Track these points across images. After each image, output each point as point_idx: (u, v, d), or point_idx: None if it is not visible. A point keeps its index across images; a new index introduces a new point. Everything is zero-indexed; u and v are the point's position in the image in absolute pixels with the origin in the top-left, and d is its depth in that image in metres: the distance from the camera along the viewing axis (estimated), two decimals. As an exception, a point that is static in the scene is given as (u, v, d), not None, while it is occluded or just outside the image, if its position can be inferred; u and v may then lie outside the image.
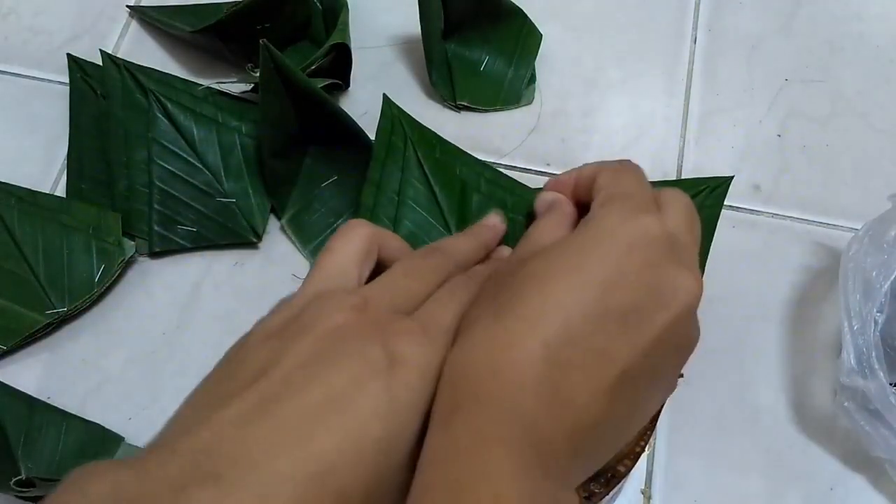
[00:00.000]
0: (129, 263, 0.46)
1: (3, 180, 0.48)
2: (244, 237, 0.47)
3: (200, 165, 0.47)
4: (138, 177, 0.47)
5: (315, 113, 0.46)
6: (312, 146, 0.49)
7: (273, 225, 0.48)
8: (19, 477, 0.37)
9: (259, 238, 0.47)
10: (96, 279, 0.45)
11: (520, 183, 0.44)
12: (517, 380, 0.25)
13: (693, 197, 0.42)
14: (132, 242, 0.46)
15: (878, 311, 0.39)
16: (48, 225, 0.46)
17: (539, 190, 0.44)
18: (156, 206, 0.47)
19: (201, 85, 0.49)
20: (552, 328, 0.25)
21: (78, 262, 0.45)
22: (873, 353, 0.37)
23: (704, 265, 0.40)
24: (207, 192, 0.47)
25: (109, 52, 0.52)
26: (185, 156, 0.47)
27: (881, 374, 0.37)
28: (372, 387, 0.24)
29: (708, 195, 0.42)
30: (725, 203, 0.48)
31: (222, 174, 0.48)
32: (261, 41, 0.44)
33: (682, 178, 0.49)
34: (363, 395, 0.24)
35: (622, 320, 0.26)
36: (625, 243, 0.27)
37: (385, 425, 0.24)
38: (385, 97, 0.44)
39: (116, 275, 0.46)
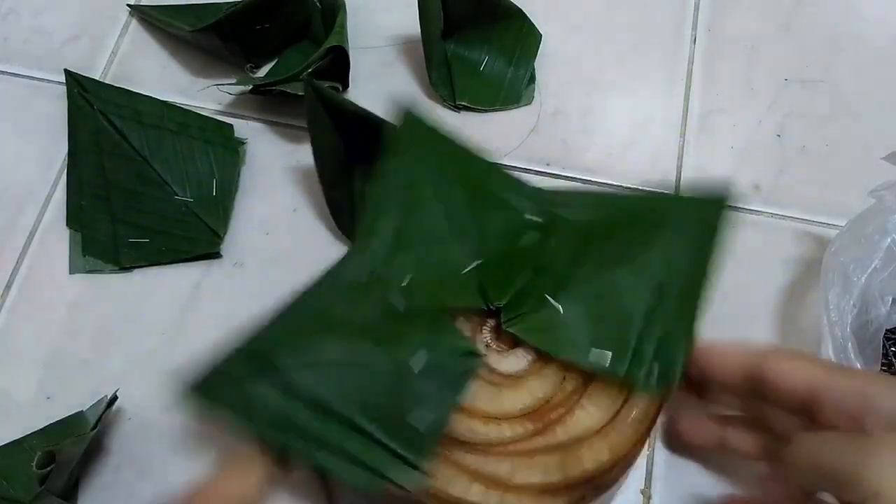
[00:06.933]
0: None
1: (3, 179, 0.48)
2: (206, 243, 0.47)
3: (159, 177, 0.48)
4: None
5: (360, 133, 0.44)
6: (358, 168, 0.47)
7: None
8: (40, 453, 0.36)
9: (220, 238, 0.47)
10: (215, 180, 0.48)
11: (525, 184, 0.43)
12: None
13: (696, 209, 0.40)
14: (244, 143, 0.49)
15: (853, 304, 0.39)
16: (178, 137, 0.49)
17: (544, 191, 0.43)
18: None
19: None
20: None
21: (198, 163, 0.49)
22: (849, 345, 0.37)
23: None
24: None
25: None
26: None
27: (858, 365, 0.37)
28: None
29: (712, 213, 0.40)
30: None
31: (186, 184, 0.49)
32: (302, 76, 0.43)
33: (681, 184, 0.49)
34: None
35: None
36: None
37: None
38: (408, 112, 0.43)
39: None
